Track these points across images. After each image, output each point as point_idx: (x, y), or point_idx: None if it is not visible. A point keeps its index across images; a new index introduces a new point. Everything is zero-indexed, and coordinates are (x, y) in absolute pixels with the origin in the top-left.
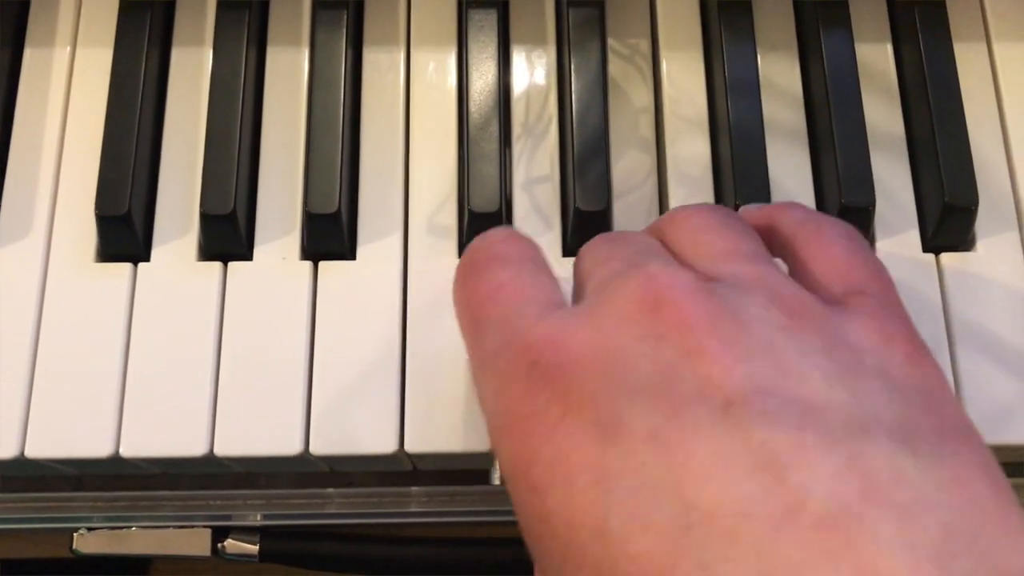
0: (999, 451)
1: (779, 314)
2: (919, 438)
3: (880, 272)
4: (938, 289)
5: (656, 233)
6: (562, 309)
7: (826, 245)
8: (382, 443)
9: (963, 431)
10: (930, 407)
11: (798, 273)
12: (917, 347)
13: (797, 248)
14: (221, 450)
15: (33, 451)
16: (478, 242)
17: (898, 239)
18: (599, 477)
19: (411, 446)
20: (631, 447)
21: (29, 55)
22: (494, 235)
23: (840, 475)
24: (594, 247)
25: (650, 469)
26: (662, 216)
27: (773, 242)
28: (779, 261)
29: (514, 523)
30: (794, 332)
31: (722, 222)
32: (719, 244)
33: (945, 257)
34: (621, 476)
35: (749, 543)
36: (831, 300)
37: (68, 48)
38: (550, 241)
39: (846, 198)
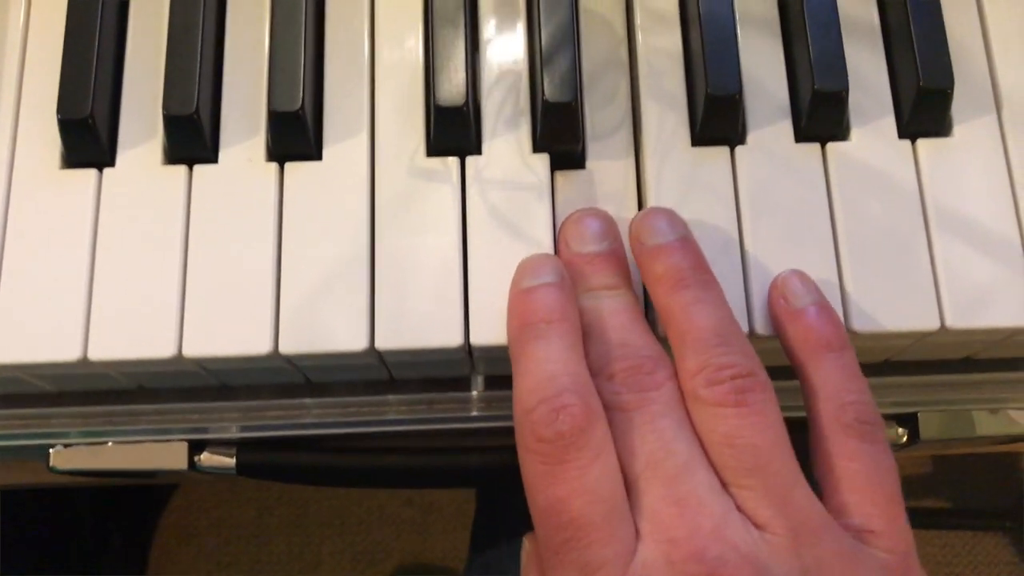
0: (977, 334)
1: None
2: None
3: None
4: (914, 175)
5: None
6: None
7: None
8: (353, 340)
9: None
10: None
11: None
12: None
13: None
14: (190, 351)
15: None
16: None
17: (873, 126)
18: None
19: (382, 343)
20: None
21: None
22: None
23: None
24: (652, 433)
25: None
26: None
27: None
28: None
29: (491, 431)
30: None
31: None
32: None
33: (921, 143)
34: None
35: None
36: (852, 528)
37: None
38: (519, 137)
39: (819, 83)
